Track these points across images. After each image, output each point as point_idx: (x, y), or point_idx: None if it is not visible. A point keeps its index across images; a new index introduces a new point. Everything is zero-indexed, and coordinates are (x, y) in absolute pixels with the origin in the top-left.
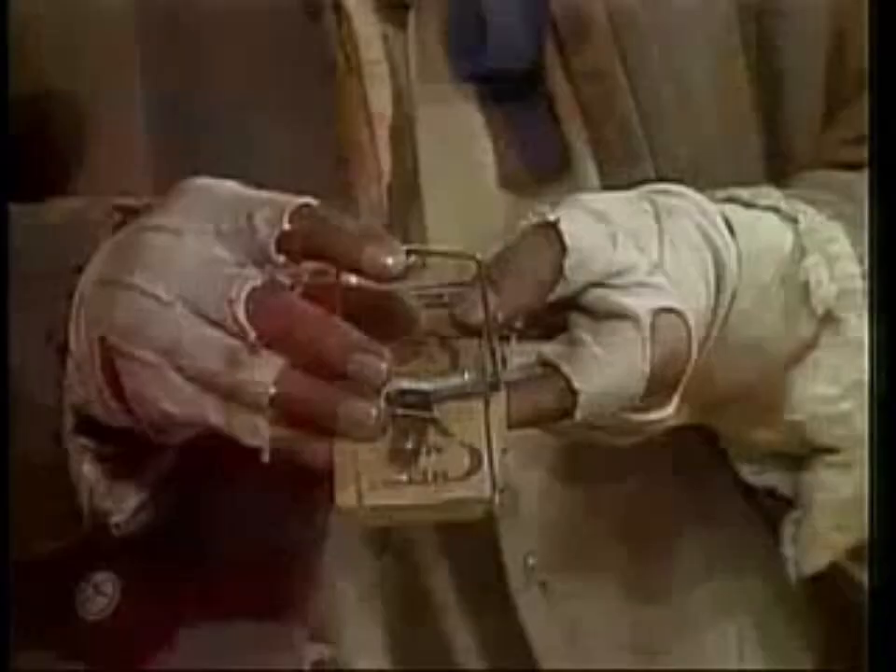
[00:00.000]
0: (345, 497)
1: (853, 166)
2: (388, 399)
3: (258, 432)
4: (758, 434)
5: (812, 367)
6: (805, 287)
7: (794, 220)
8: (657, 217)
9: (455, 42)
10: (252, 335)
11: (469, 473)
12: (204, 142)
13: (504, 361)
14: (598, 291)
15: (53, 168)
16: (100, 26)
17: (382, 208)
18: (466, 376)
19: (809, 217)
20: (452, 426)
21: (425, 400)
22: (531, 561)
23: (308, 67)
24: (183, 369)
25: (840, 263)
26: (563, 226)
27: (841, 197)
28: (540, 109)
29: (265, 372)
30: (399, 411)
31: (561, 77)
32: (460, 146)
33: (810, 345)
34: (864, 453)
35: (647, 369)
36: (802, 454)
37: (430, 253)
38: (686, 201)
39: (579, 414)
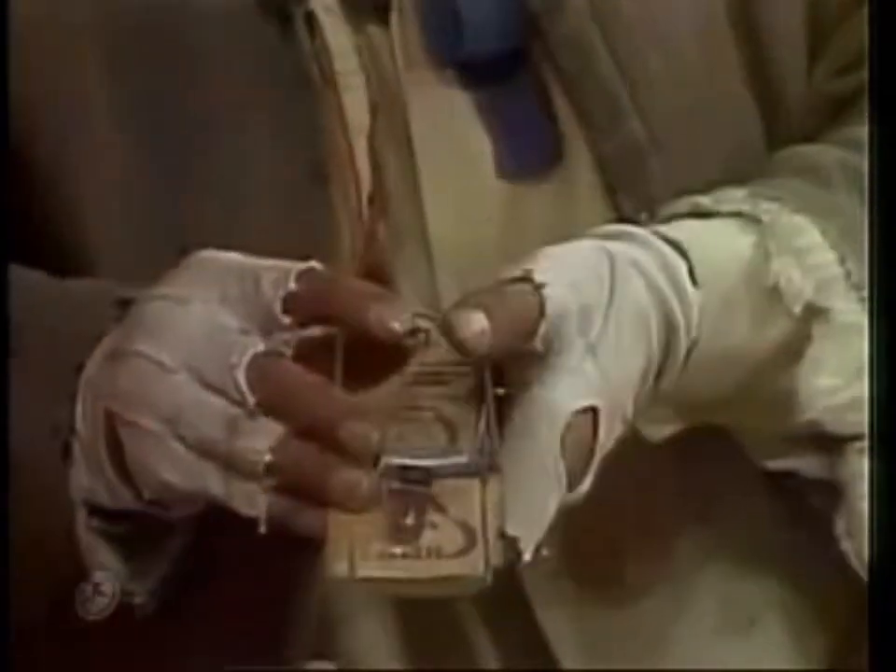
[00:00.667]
0: (337, 567)
1: (844, 99)
2: (388, 473)
3: (255, 502)
4: (770, 426)
5: (812, 362)
6: (776, 290)
7: (757, 221)
8: (611, 288)
9: (431, 31)
10: (251, 401)
11: (464, 551)
12: (182, 157)
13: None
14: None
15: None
16: (69, 41)
17: (362, 221)
18: (466, 456)
19: (773, 214)
20: (448, 503)
21: (425, 477)
22: (545, 552)
23: (284, 80)
24: (184, 437)
25: (811, 255)
26: (547, 291)
27: (812, 182)
28: (530, 95)
29: (262, 440)
30: (398, 486)
31: (542, 57)
32: (455, 138)
33: (802, 341)
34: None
35: (564, 477)
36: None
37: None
38: (647, 252)
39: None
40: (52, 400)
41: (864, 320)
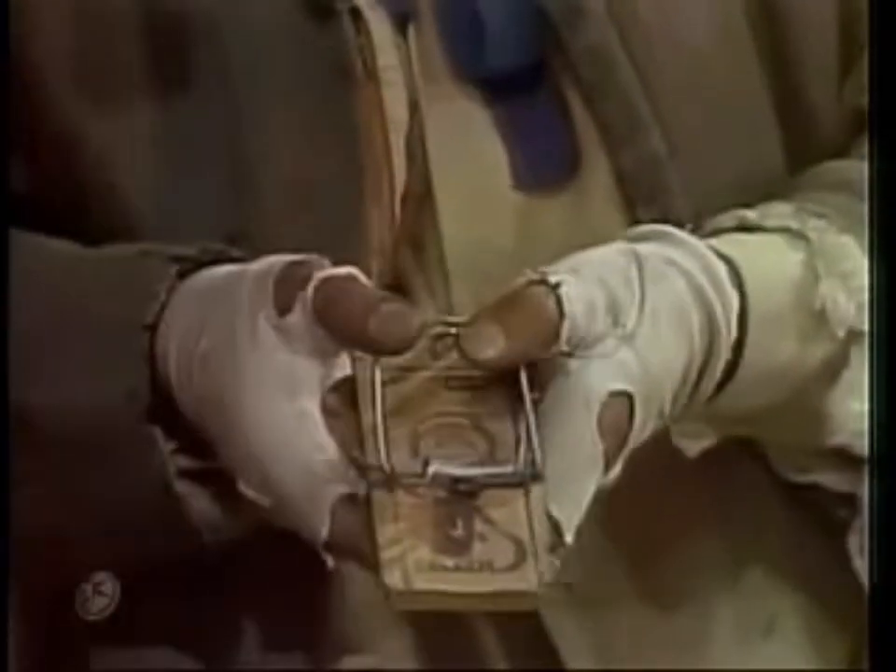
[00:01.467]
0: (393, 579)
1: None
2: (437, 481)
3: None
4: (800, 442)
5: (847, 384)
6: (822, 313)
7: (806, 239)
8: (641, 285)
9: (452, 46)
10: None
11: (515, 566)
12: (223, 149)
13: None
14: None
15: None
16: (101, 34)
17: (394, 219)
18: (510, 466)
19: (821, 233)
20: (494, 514)
21: (472, 487)
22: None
23: (323, 76)
24: None
25: (856, 278)
26: (563, 290)
27: (851, 197)
28: (548, 106)
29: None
30: (444, 495)
31: (562, 67)
32: (471, 149)
33: (840, 363)
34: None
35: (601, 459)
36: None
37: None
38: (687, 252)
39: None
40: (125, 362)
41: None
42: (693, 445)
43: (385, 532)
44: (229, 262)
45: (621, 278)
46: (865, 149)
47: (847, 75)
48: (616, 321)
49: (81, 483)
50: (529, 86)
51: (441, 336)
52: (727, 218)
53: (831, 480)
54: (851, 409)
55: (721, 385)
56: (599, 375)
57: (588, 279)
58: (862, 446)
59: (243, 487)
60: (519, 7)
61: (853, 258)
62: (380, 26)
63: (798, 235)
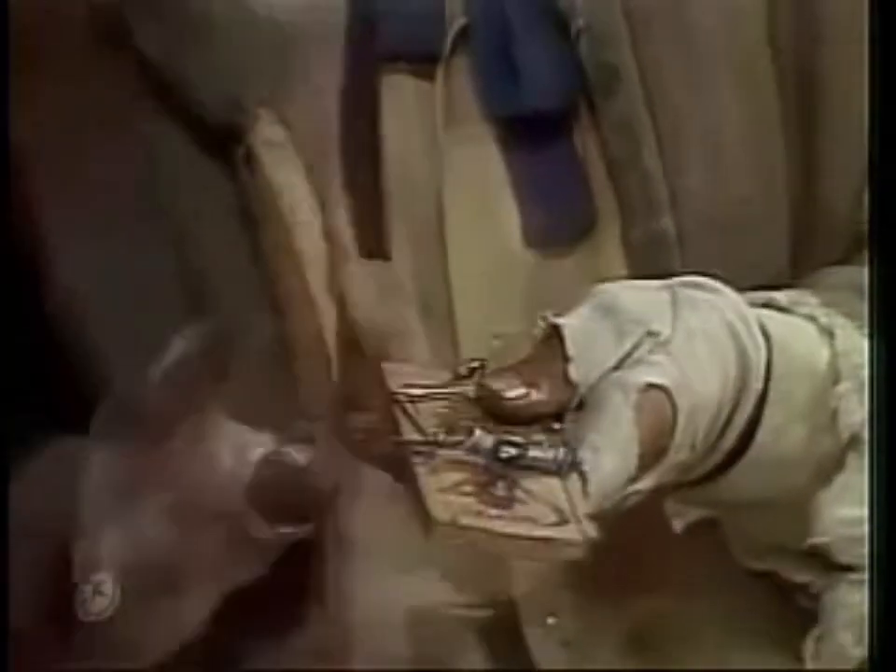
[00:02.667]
0: (439, 511)
1: None
2: (476, 448)
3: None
4: (772, 539)
5: (840, 489)
6: (835, 413)
7: (831, 335)
8: (673, 306)
9: (487, 83)
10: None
11: (558, 524)
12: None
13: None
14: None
15: None
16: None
17: (329, 364)
18: (551, 453)
19: (846, 334)
20: (534, 487)
21: (513, 465)
22: (551, 621)
23: (227, 217)
24: None
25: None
26: (565, 332)
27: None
28: (569, 162)
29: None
30: (483, 462)
31: (587, 128)
32: (486, 204)
33: (836, 466)
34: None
35: (636, 446)
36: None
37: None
38: (721, 297)
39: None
40: None
41: None
42: (679, 522)
43: (428, 483)
44: None
45: (647, 299)
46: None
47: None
48: (650, 333)
49: None
50: (554, 137)
51: (470, 372)
52: (756, 296)
53: (787, 570)
54: (840, 513)
55: (728, 463)
56: (636, 371)
57: (601, 307)
58: (841, 551)
59: None
60: (559, 55)
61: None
62: (281, 163)
63: (824, 329)
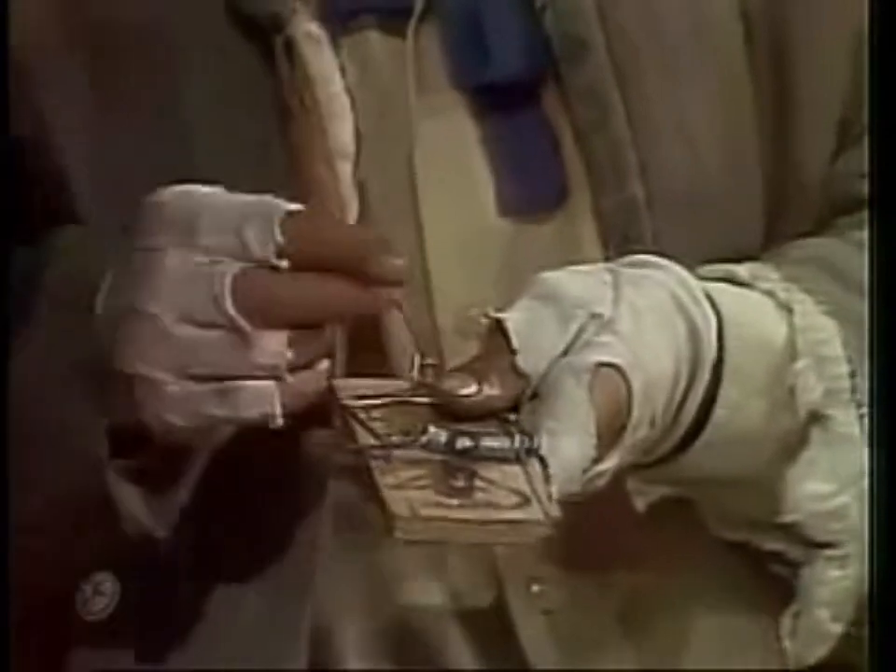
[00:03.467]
0: (399, 507)
1: (863, 201)
2: (432, 445)
3: (271, 399)
4: (741, 514)
5: (806, 465)
6: (792, 389)
7: (790, 311)
8: (615, 286)
9: (456, 52)
10: (244, 325)
11: (520, 505)
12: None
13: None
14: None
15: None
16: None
17: None
18: (507, 442)
19: (805, 310)
20: (494, 475)
21: (469, 457)
22: (535, 589)
23: (266, 110)
24: (194, 376)
25: (829, 365)
26: (509, 325)
27: (841, 286)
28: (541, 133)
29: (274, 342)
30: (440, 457)
31: (557, 98)
32: (459, 172)
33: (799, 443)
34: (861, 545)
35: (593, 427)
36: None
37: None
38: (665, 272)
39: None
40: (71, 336)
41: (860, 435)
42: (641, 500)
43: (386, 481)
44: None
45: (589, 283)
46: (848, 231)
47: (839, 157)
48: (593, 315)
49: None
50: (525, 106)
51: (422, 368)
52: (715, 270)
53: (760, 540)
54: (807, 489)
55: (689, 440)
56: (585, 353)
57: (542, 296)
58: (814, 527)
59: (173, 418)
60: (526, 26)
61: (832, 343)
62: (319, 56)
63: (783, 305)
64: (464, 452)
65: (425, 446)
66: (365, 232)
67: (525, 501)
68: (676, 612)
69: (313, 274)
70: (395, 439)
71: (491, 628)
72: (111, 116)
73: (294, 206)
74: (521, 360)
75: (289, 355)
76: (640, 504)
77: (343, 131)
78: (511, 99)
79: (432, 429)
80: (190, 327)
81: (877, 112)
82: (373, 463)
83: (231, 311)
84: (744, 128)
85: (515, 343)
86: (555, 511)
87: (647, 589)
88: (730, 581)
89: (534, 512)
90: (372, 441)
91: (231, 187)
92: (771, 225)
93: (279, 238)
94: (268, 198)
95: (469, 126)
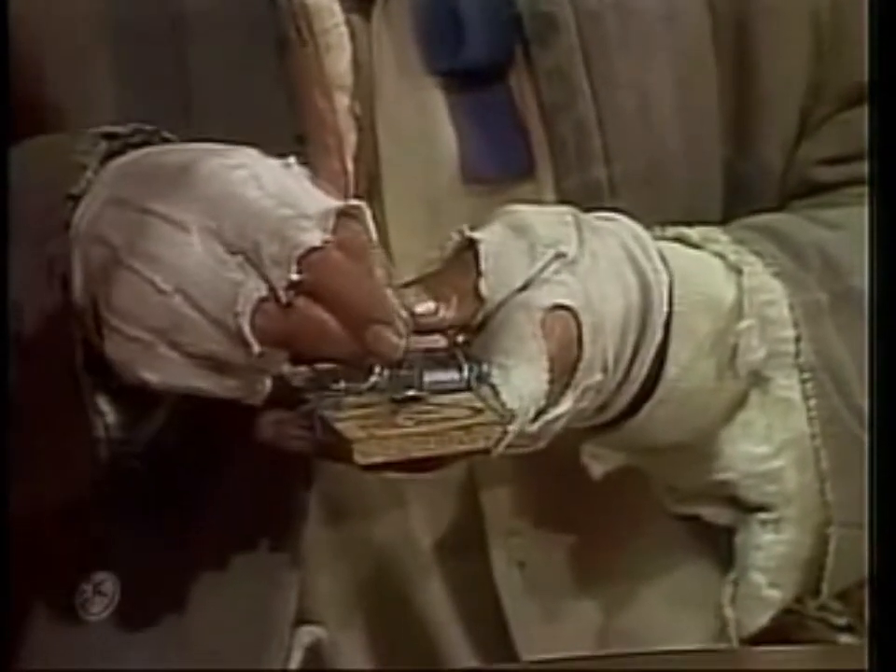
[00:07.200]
0: (355, 432)
1: (826, 186)
2: (380, 387)
3: (261, 392)
4: (687, 483)
5: (742, 426)
6: (735, 349)
7: (739, 272)
8: (578, 229)
9: (427, 36)
10: (256, 345)
11: (475, 415)
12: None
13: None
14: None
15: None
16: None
17: (348, 181)
18: (457, 374)
19: (754, 270)
20: (446, 400)
21: (420, 392)
22: (514, 541)
23: (263, 42)
24: (180, 345)
25: (773, 327)
26: (481, 247)
27: (789, 254)
28: (506, 107)
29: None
30: (394, 395)
31: (524, 76)
32: (423, 139)
33: (739, 404)
34: (796, 510)
35: (545, 360)
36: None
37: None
38: (618, 224)
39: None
40: (48, 235)
41: (799, 400)
42: (597, 467)
43: (338, 417)
44: (161, 143)
45: (555, 222)
46: (816, 215)
47: (798, 145)
48: (558, 255)
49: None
50: (492, 84)
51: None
52: (668, 231)
53: (711, 513)
54: (743, 449)
55: (643, 397)
56: (541, 292)
57: (514, 227)
58: (748, 488)
59: (151, 377)
60: (497, 7)
61: (777, 305)
62: None
63: (732, 267)
64: (411, 393)
65: (372, 388)
66: (376, 295)
67: (478, 412)
68: (636, 576)
69: (319, 319)
70: (341, 384)
71: (470, 576)
72: (111, 48)
73: (318, 241)
74: (484, 284)
75: (286, 368)
76: (596, 471)
77: (340, 62)
78: (479, 77)
79: (377, 371)
80: (193, 310)
81: (878, 92)
82: (326, 413)
83: (247, 330)
84: (706, 114)
85: (484, 265)
86: (510, 418)
87: (612, 549)
88: (684, 544)
89: (489, 416)
90: (322, 392)
91: (230, 117)
92: (729, 209)
93: (294, 276)
94: (295, 219)
95: (435, 99)
